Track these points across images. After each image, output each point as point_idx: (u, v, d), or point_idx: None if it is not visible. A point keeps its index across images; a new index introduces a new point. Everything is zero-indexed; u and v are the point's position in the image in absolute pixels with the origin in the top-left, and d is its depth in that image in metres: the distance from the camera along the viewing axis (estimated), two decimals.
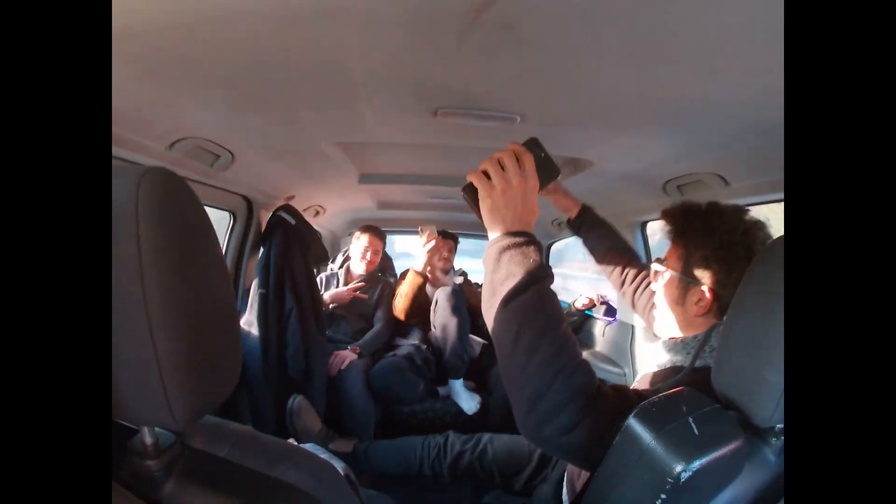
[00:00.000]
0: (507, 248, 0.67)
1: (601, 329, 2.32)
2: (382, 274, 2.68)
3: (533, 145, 0.76)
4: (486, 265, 0.69)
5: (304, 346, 1.83)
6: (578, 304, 2.50)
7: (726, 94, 0.85)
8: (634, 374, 2.01)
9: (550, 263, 3.20)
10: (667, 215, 0.98)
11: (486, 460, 1.44)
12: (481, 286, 0.76)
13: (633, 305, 1.32)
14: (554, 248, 3.18)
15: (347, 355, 2.10)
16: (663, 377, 0.91)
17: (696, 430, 0.57)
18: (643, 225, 2.03)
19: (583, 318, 2.47)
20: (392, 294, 2.42)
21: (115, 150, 1.05)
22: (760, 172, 1.21)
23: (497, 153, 0.72)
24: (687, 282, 0.92)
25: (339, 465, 1.12)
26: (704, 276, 0.90)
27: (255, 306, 1.80)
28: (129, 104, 0.92)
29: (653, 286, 1.02)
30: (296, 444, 0.66)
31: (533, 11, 0.62)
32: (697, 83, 0.82)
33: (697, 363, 0.86)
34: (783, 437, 0.64)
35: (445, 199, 2.40)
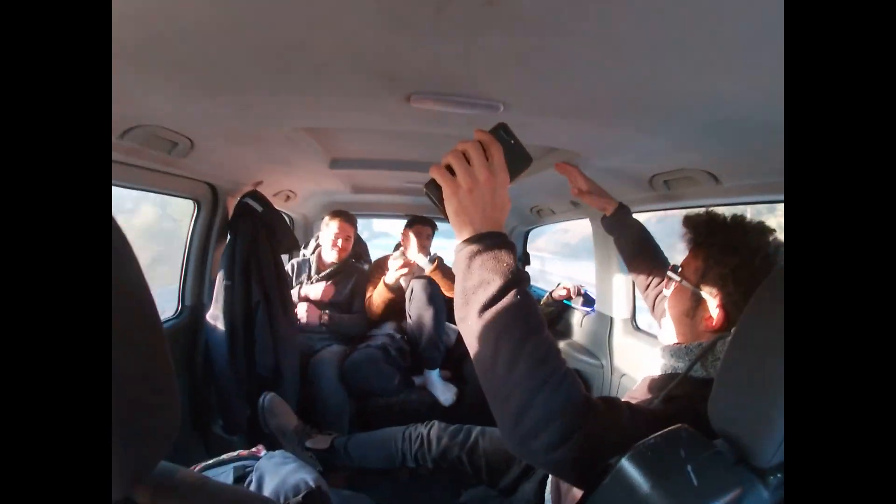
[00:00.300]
0: (478, 252, 0.61)
1: (579, 319, 2.30)
2: (357, 261, 2.59)
3: (501, 132, 0.69)
4: (457, 271, 0.63)
5: (272, 340, 1.76)
6: (556, 294, 2.47)
7: (722, 92, 0.80)
8: (612, 366, 2.00)
9: (529, 250, 3.17)
10: (689, 223, 0.95)
11: (476, 455, 1.39)
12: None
13: (653, 310, 1.31)
14: (534, 233, 3.14)
15: (311, 315, 2.10)
16: (660, 384, 0.88)
17: (694, 480, 0.53)
18: None
19: (560, 308, 2.45)
20: (366, 280, 2.36)
21: None
22: (753, 174, 1.17)
23: (461, 144, 0.64)
24: (700, 296, 0.89)
25: (311, 477, 1.07)
26: (719, 293, 0.86)
27: (221, 299, 1.71)
28: None
29: (665, 292, 0.99)
30: (248, 491, 0.61)
31: None
32: (693, 79, 0.76)
33: (697, 373, 0.83)
34: (780, 474, 0.61)
35: (420, 184, 2.30)
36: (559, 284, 2.50)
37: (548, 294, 2.51)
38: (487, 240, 0.62)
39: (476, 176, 0.63)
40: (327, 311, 2.18)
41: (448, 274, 2.26)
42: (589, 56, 0.71)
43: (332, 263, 2.33)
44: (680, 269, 0.95)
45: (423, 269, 2.28)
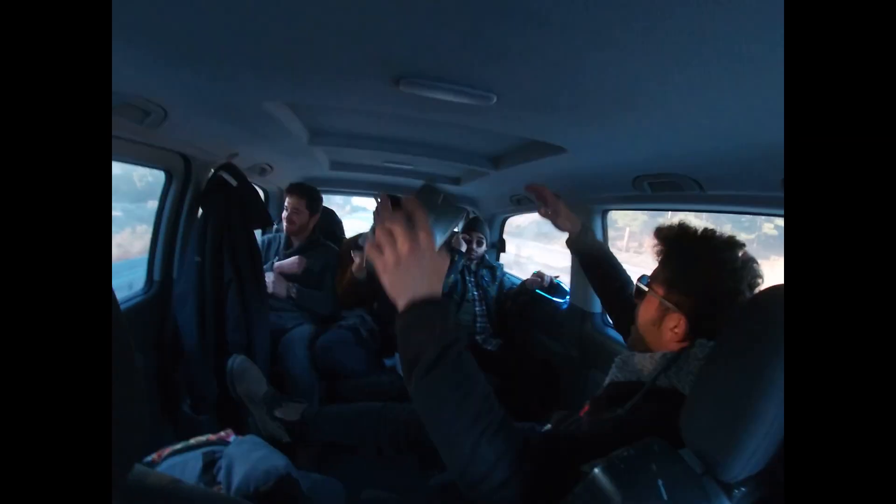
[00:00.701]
0: (410, 324, 0.67)
1: (552, 311, 2.33)
2: (329, 239, 2.54)
3: (428, 194, 0.73)
4: (398, 342, 0.69)
5: (244, 318, 1.72)
6: (529, 283, 2.49)
7: (715, 104, 0.80)
8: (583, 358, 2.05)
9: (506, 237, 3.18)
10: (659, 235, 0.97)
11: None
12: None
13: (617, 326, 1.35)
14: (512, 221, 3.16)
15: (278, 284, 2.09)
16: (624, 391, 0.91)
17: (664, 495, 0.56)
18: (604, 213, 2.01)
19: (531, 297, 2.47)
20: (335, 260, 2.32)
21: None
22: (738, 185, 1.19)
23: (387, 220, 0.69)
24: (666, 306, 0.91)
25: (281, 463, 1.06)
26: (684, 305, 0.89)
27: (192, 276, 1.66)
28: None
29: (637, 301, 1.01)
30: (220, 493, 0.61)
31: None
32: (688, 89, 0.76)
33: (661, 383, 0.86)
34: (744, 488, 0.63)
35: (401, 164, 2.28)
36: (534, 273, 2.53)
37: (521, 282, 2.54)
38: (418, 309, 0.67)
39: (400, 251, 0.67)
40: (295, 286, 2.14)
41: None
42: (587, 55, 0.70)
43: (300, 240, 2.28)
44: (649, 280, 0.97)
45: None
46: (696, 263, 0.89)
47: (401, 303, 0.67)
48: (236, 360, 1.62)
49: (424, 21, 0.65)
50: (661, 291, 0.93)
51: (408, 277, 0.67)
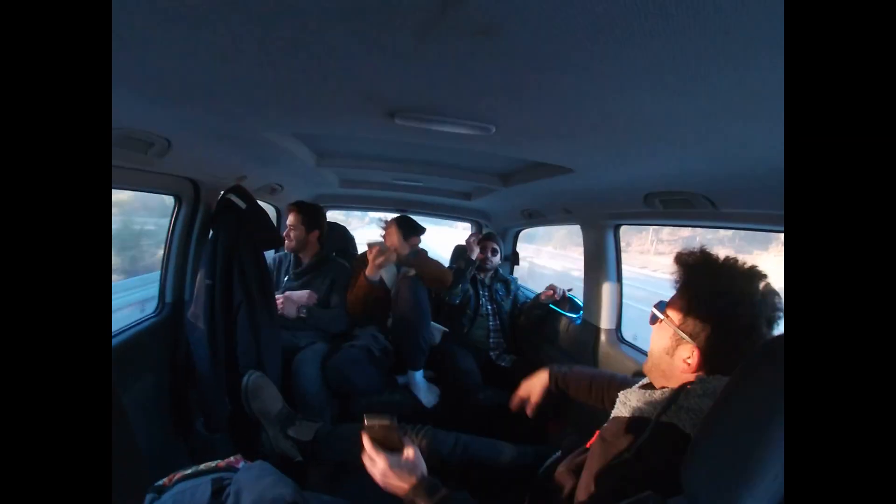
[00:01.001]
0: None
1: (565, 326, 2.29)
2: (337, 254, 2.54)
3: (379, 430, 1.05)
4: None
5: (255, 342, 1.72)
6: (543, 297, 2.46)
7: (722, 128, 0.78)
8: None
9: (518, 249, 3.15)
10: (679, 261, 0.94)
11: (463, 463, 1.37)
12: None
13: (603, 404, 1.31)
14: (525, 233, 3.13)
15: (288, 306, 2.04)
16: (631, 430, 0.89)
17: None
18: (616, 228, 1.97)
19: (546, 311, 2.44)
20: (346, 276, 2.31)
21: None
22: (751, 203, 1.15)
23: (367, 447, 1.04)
24: (681, 336, 0.88)
25: (288, 491, 1.06)
26: (699, 336, 0.86)
27: (202, 299, 1.67)
28: None
29: (652, 326, 0.98)
30: None
31: (514, 17, 0.50)
32: (693, 116, 0.74)
33: (664, 418, 0.84)
34: None
35: (410, 181, 2.27)
36: (547, 287, 2.49)
37: (535, 296, 2.50)
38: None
39: (375, 474, 1.02)
40: (304, 309, 2.12)
41: (430, 279, 2.23)
42: (581, 87, 0.69)
43: (307, 257, 2.29)
44: (666, 307, 0.94)
45: (401, 258, 2.23)
46: (713, 293, 0.86)
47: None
48: (251, 377, 1.60)
49: (413, 60, 0.64)
50: (676, 320, 0.90)
51: (391, 487, 1.00)
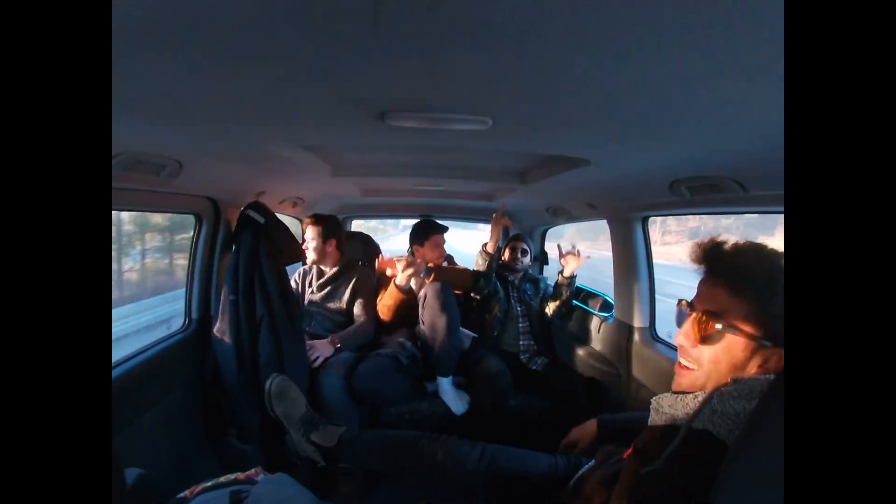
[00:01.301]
0: None
1: (597, 325, 2.21)
2: (361, 263, 2.53)
3: None
4: None
5: (277, 355, 1.73)
6: (566, 273, 2.32)
7: (749, 95, 0.69)
8: (630, 376, 1.91)
9: (546, 248, 3.08)
10: (726, 267, 0.81)
11: (488, 476, 1.32)
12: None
13: None
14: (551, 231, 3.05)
15: (323, 350, 1.99)
16: (662, 438, 0.81)
17: None
18: (644, 220, 1.88)
19: (572, 288, 2.33)
20: (369, 283, 2.30)
21: None
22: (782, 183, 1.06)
23: None
24: (759, 344, 0.76)
25: (306, 502, 1.04)
26: (777, 336, 0.75)
27: (227, 314, 1.70)
28: None
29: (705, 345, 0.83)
30: None
31: None
32: (711, 84, 0.66)
33: (696, 425, 0.76)
34: None
35: (430, 186, 2.25)
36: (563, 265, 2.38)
37: (558, 276, 2.38)
38: None
39: None
40: (336, 337, 2.10)
41: (449, 279, 2.18)
42: (576, 67, 0.62)
43: (328, 267, 2.30)
44: (722, 318, 0.80)
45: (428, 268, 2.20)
46: (773, 285, 0.75)
47: None
48: (275, 380, 1.59)
49: (383, 57, 0.61)
50: (748, 329, 0.77)
51: None
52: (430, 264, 2.23)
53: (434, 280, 2.16)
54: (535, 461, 1.32)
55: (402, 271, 2.08)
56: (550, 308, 2.40)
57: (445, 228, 2.35)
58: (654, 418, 0.87)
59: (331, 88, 0.74)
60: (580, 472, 1.15)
